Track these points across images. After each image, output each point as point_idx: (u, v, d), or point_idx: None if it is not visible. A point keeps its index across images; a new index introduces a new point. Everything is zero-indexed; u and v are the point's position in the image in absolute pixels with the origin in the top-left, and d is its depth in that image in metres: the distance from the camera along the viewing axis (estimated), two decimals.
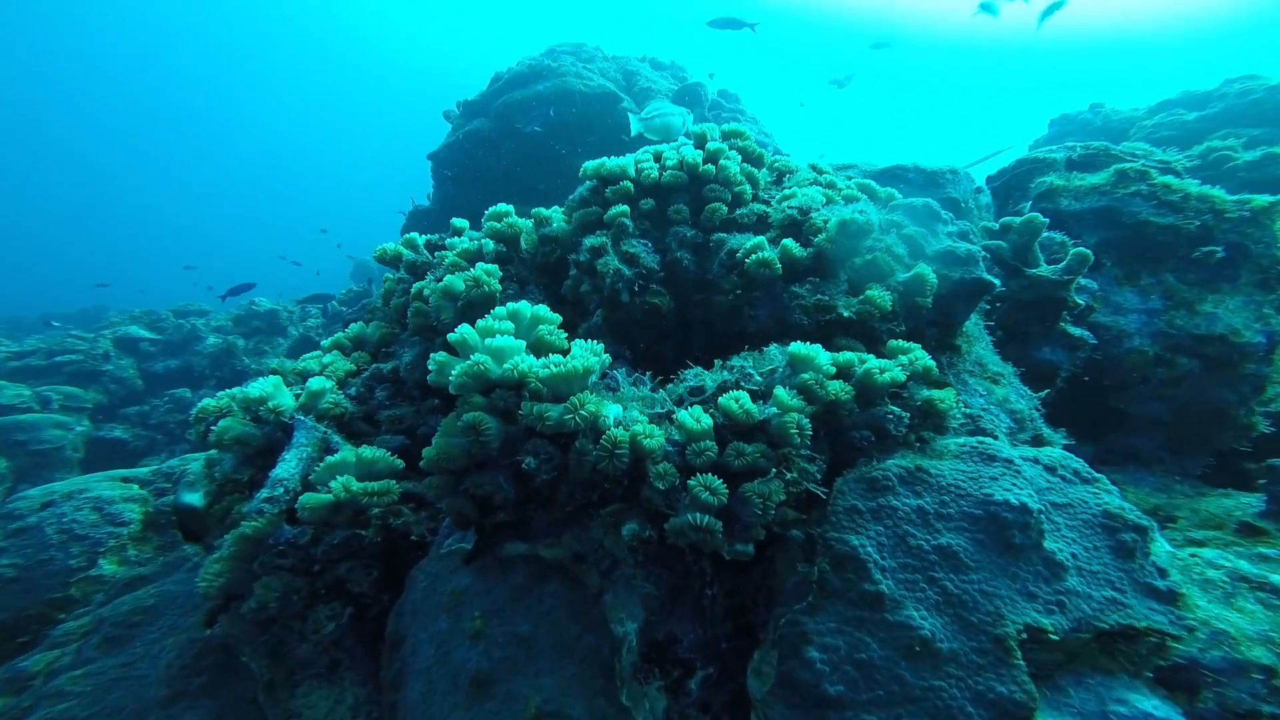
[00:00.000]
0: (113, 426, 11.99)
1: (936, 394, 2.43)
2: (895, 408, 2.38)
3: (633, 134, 7.28)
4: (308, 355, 3.65)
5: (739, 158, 3.28)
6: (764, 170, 3.54)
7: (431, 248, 3.82)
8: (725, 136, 3.51)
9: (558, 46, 12.44)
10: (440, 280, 3.04)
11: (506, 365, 2.11)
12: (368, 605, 2.77)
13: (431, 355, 2.27)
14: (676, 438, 2.18)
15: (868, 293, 2.62)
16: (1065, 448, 3.31)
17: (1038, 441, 3.08)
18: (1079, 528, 2.26)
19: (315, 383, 2.88)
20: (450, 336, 2.23)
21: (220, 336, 14.25)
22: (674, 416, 2.21)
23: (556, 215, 3.60)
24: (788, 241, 2.69)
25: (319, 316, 15.35)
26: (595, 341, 2.26)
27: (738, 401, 2.12)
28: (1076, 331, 3.90)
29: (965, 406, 2.97)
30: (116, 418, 12.42)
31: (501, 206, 3.42)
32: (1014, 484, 2.26)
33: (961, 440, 2.44)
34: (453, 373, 2.12)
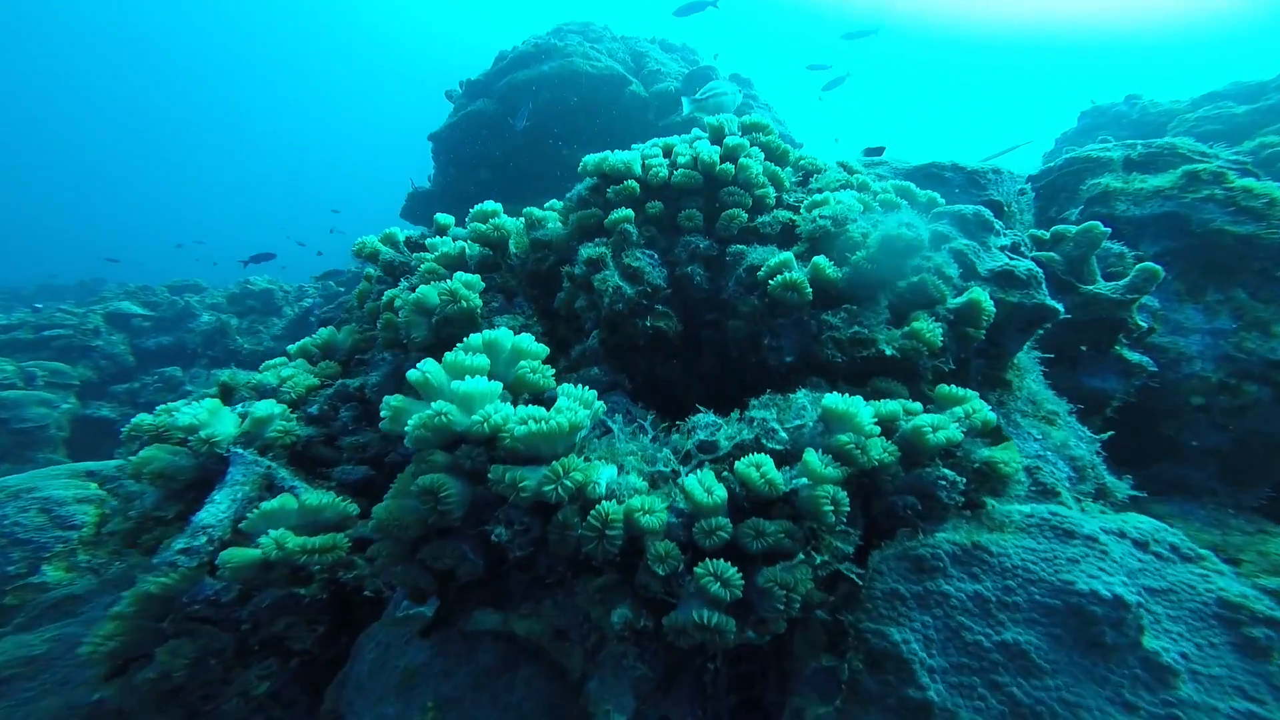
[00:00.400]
0: (100, 405, 11.66)
1: (998, 454, 2.01)
2: (948, 471, 1.96)
3: (685, 114, 6.86)
4: (269, 364, 3.24)
5: (761, 155, 2.82)
6: (788, 169, 3.10)
7: (413, 246, 3.39)
8: (746, 130, 3.05)
9: (565, 25, 11.87)
10: (414, 289, 2.62)
11: (476, 416, 1.69)
12: (315, 656, 2.39)
13: (385, 399, 1.85)
14: (681, 505, 1.77)
15: (914, 325, 2.18)
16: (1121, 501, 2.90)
17: (1102, 493, 2.66)
18: (1186, 619, 1.84)
19: (261, 407, 2.47)
20: (410, 375, 1.81)
21: (214, 314, 13.89)
22: (680, 481, 1.79)
23: (551, 216, 3.16)
24: (820, 260, 2.26)
25: (316, 296, 14.92)
26: (587, 388, 1.84)
27: (759, 469, 1.70)
28: (1134, 357, 3.46)
29: (1020, 454, 2.55)
30: (106, 395, 12.10)
31: (488, 205, 2.98)
32: (1101, 568, 1.84)
33: (1027, 510, 2.02)
34: (409, 424, 1.71)
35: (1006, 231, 2.94)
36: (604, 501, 1.63)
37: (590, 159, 2.90)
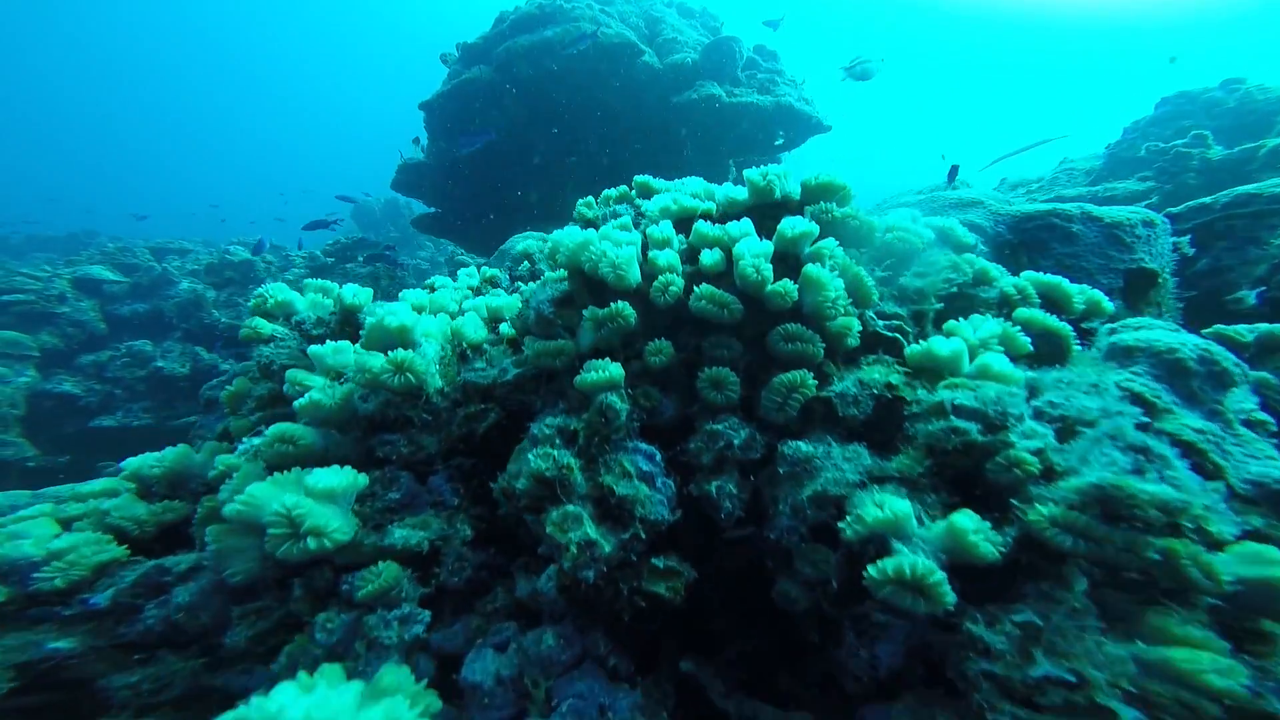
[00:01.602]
0: (62, 378, 10.72)
1: None
2: None
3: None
4: (76, 491, 2.20)
5: (840, 257, 1.70)
6: (868, 251, 1.98)
7: (305, 334, 2.30)
8: (809, 196, 1.91)
9: None
10: (258, 458, 1.57)
11: None
12: None
13: None
14: None
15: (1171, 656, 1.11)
16: None
17: None
18: None
19: None
20: None
21: (193, 283, 12.86)
22: None
23: (510, 305, 2.09)
24: (964, 526, 1.17)
25: (301, 266, 13.79)
26: None
27: None
28: None
29: None
30: (72, 367, 11.17)
31: (398, 316, 1.82)
32: None
33: None
34: None
35: (1242, 370, 1.83)
36: None
37: (565, 243, 1.79)
